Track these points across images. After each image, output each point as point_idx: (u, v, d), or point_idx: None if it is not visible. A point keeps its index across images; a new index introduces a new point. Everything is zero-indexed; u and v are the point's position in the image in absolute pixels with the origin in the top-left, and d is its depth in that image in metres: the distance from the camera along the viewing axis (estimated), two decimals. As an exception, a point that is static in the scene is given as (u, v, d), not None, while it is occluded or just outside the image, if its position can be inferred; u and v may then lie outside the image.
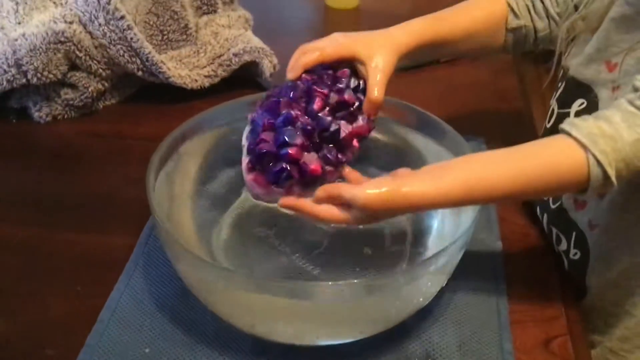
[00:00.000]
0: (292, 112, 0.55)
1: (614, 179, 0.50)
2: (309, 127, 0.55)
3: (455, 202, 0.52)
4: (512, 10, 0.71)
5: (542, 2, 0.71)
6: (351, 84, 0.59)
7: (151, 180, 0.57)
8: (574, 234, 0.65)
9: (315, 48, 0.61)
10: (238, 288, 0.52)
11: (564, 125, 0.52)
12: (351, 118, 0.58)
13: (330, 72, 0.59)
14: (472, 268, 0.63)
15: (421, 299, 0.56)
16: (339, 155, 0.57)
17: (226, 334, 0.57)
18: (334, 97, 0.57)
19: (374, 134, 0.63)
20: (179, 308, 0.59)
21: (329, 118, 0.56)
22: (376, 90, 0.59)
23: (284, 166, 0.54)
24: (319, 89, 0.57)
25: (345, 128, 0.57)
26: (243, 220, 0.65)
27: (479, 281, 0.63)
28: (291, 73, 0.60)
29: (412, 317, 0.57)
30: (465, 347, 0.57)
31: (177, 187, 0.62)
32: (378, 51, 0.61)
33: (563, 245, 0.66)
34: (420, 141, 0.68)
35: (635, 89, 0.52)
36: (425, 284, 0.55)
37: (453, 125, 0.65)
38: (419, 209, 0.58)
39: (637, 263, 0.62)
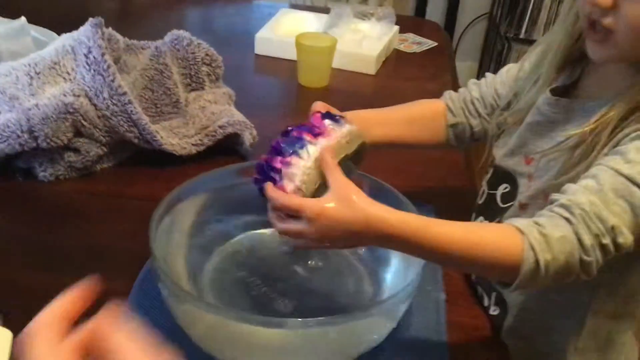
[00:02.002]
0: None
1: (542, 264, 0.58)
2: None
3: (409, 235, 0.59)
4: (450, 109, 0.86)
5: (473, 104, 0.86)
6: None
7: (153, 232, 0.68)
8: (494, 293, 0.77)
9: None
10: (218, 319, 0.63)
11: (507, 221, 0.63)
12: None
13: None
14: (419, 314, 0.74)
15: (375, 337, 0.67)
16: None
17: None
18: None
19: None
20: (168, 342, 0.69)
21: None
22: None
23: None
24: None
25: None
26: (225, 264, 0.77)
27: (425, 327, 0.75)
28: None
29: (366, 354, 0.68)
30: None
31: (172, 239, 0.73)
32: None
33: (485, 302, 0.79)
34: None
35: (551, 202, 0.63)
36: (376, 324, 0.66)
37: (407, 194, 0.78)
38: (374, 228, 0.60)
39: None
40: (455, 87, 1.14)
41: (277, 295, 0.72)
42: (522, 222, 0.61)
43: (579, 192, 0.61)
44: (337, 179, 0.63)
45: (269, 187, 0.64)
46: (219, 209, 0.79)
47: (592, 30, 0.65)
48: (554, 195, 0.63)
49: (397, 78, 1.38)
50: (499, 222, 0.74)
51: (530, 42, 2.30)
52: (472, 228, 0.65)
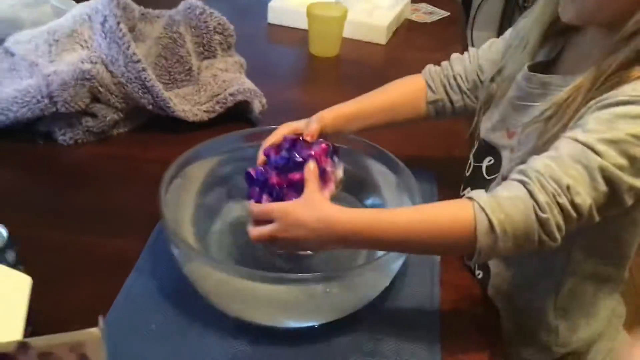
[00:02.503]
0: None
1: (496, 223, 0.61)
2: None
3: (363, 230, 0.64)
4: (429, 87, 0.88)
5: (455, 80, 0.88)
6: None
7: (162, 194, 0.73)
8: None
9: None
10: (224, 275, 0.68)
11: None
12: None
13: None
14: (413, 274, 0.79)
15: (370, 293, 0.71)
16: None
17: (214, 316, 0.72)
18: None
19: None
20: (179, 296, 0.74)
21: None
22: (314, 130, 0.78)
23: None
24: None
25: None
26: (230, 226, 0.82)
27: (420, 284, 0.79)
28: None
29: (362, 310, 0.72)
30: (402, 335, 0.72)
31: (181, 200, 0.78)
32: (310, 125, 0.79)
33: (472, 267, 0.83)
34: (379, 172, 0.85)
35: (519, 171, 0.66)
36: (372, 280, 0.71)
37: (410, 162, 0.81)
38: (332, 228, 0.65)
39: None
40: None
41: (278, 256, 0.77)
42: (474, 192, 0.65)
43: (537, 160, 0.64)
44: (310, 188, 0.68)
45: (250, 203, 0.71)
46: (227, 172, 0.84)
47: None
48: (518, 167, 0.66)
49: (407, 48, 1.40)
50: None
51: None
52: (426, 210, 0.67)
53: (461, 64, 0.89)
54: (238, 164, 0.83)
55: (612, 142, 0.62)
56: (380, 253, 0.69)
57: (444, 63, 0.92)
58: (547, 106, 0.70)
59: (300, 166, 0.71)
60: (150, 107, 1.00)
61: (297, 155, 0.72)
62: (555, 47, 0.77)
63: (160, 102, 0.99)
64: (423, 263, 0.81)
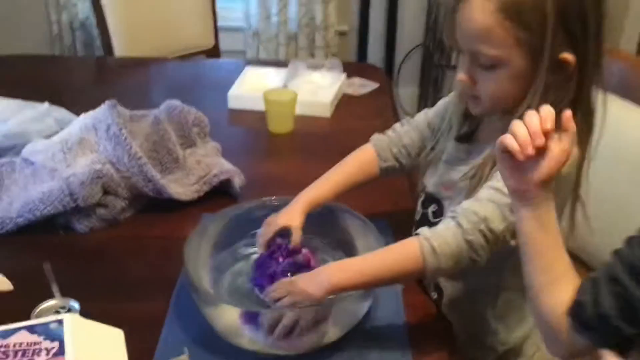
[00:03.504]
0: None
1: (437, 247, 0.86)
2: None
3: (348, 283, 0.90)
4: (380, 156, 1.14)
5: (405, 148, 1.13)
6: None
7: (186, 254, 0.96)
8: (432, 284, 1.06)
9: (268, 225, 1.05)
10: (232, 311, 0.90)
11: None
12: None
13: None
14: (384, 302, 1.02)
15: (350, 320, 0.94)
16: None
17: (236, 351, 0.93)
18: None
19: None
20: (204, 338, 0.94)
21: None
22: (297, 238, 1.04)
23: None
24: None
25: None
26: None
27: (388, 310, 1.02)
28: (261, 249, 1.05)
29: (347, 334, 0.94)
30: (381, 350, 0.95)
31: (200, 258, 1.01)
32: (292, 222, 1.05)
33: (429, 290, 1.07)
34: (350, 225, 1.09)
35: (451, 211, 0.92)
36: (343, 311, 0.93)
37: (368, 215, 1.06)
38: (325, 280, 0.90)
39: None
40: (397, 121, 1.40)
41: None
42: (419, 229, 0.91)
43: (463, 202, 0.90)
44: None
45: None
46: (226, 236, 1.07)
47: (467, 95, 0.95)
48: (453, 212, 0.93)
49: (349, 118, 1.66)
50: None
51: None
52: (386, 252, 0.93)
53: (408, 136, 1.14)
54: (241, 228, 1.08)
55: None
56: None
57: (390, 133, 1.16)
58: (470, 168, 0.96)
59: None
60: (151, 193, 1.22)
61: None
62: (474, 120, 1.04)
63: (160, 188, 1.21)
64: (389, 294, 1.05)
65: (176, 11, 2.38)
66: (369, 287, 0.93)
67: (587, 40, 0.87)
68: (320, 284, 0.89)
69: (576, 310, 0.74)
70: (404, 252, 0.91)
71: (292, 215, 1.05)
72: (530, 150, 0.71)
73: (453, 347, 1.01)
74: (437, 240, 0.88)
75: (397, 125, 1.18)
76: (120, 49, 2.24)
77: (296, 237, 1.04)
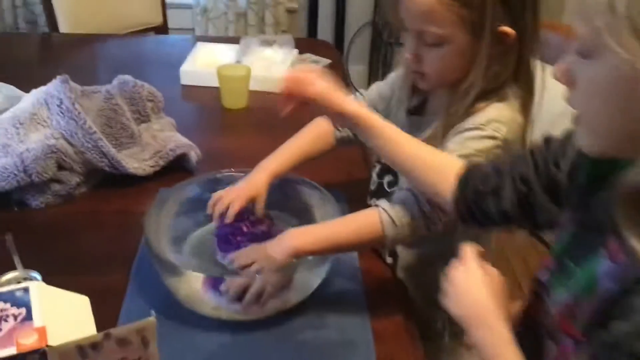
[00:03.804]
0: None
1: (395, 219, 0.91)
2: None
3: (313, 245, 0.93)
4: (334, 126, 1.16)
5: None
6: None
7: (146, 225, 0.97)
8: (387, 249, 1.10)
9: (237, 199, 1.05)
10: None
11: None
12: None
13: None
14: (342, 267, 1.05)
15: (312, 283, 0.97)
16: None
17: (199, 318, 0.95)
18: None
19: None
20: (166, 306, 0.96)
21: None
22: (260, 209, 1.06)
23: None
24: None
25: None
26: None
27: (346, 275, 1.05)
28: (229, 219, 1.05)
29: (308, 300, 0.97)
30: (341, 312, 0.98)
31: (160, 229, 1.03)
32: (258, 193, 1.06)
33: (384, 255, 1.11)
34: (308, 194, 1.11)
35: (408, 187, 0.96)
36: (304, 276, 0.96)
37: (325, 186, 1.09)
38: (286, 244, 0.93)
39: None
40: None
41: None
42: (379, 201, 0.95)
43: None
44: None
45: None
46: (186, 208, 1.09)
47: (414, 72, 0.99)
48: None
49: (302, 93, 1.68)
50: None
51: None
52: (348, 221, 0.96)
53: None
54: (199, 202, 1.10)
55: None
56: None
57: None
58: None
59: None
60: (107, 168, 1.21)
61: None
62: (422, 94, 1.07)
63: (115, 163, 1.21)
64: (345, 259, 1.08)
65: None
66: (330, 252, 0.97)
67: (525, 13, 0.93)
68: (284, 248, 0.92)
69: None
70: (365, 222, 0.95)
71: (256, 186, 1.06)
72: None
73: (408, 309, 1.05)
74: (395, 211, 0.93)
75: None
76: (65, 27, 2.20)
77: (260, 207, 1.05)
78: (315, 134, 1.17)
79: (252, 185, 1.07)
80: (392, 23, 0.99)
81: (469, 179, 0.86)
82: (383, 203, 0.95)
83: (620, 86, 0.55)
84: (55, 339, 0.65)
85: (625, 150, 0.60)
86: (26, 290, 0.71)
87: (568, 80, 0.62)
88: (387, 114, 1.13)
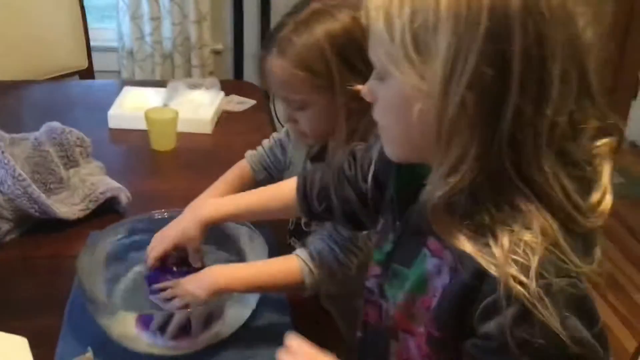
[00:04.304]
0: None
1: (314, 269, 1.00)
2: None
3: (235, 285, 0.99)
4: (252, 168, 1.28)
5: (273, 163, 1.27)
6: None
7: (79, 267, 1.00)
8: None
9: (159, 244, 1.06)
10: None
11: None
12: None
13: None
14: (270, 300, 1.11)
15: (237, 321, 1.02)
16: None
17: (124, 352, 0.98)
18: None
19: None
20: (100, 345, 0.99)
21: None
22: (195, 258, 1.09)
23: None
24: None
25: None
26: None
27: (273, 307, 1.11)
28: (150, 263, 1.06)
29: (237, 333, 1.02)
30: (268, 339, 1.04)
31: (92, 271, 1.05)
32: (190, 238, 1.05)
33: None
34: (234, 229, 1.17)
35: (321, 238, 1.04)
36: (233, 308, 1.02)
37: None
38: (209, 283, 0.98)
39: None
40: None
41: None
42: (298, 250, 1.04)
43: (328, 224, 1.05)
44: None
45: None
46: (119, 252, 1.12)
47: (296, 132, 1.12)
48: None
49: (229, 134, 1.74)
50: (304, 241, 1.11)
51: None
52: (271, 266, 1.04)
53: (272, 152, 1.28)
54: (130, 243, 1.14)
55: None
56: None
57: (260, 149, 1.30)
58: None
59: None
60: (37, 214, 1.24)
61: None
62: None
63: (45, 208, 1.23)
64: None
65: (45, 31, 2.34)
66: (251, 292, 1.04)
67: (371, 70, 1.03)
68: (207, 287, 0.97)
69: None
70: (286, 270, 1.03)
71: (187, 232, 1.06)
72: None
73: (335, 336, 1.12)
74: (313, 263, 1.02)
75: (265, 142, 1.32)
76: (-13, 73, 2.18)
77: (193, 257, 1.07)
78: (239, 177, 1.27)
79: (179, 229, 1.06)
80: (264, 88, 1.11)
81: (306, 198, 0.98)
82: (302, 253, 1.03)
83: (405, 104, 0.63)
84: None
85: (419, 157, 0.70)
86: (-37, 335, 0.74)
87: (371, 98, 0.71)
88: (289, 163, 1.23)
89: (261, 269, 1.04)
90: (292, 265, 1.02)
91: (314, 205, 0.98)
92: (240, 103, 1.88)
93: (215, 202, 1.09)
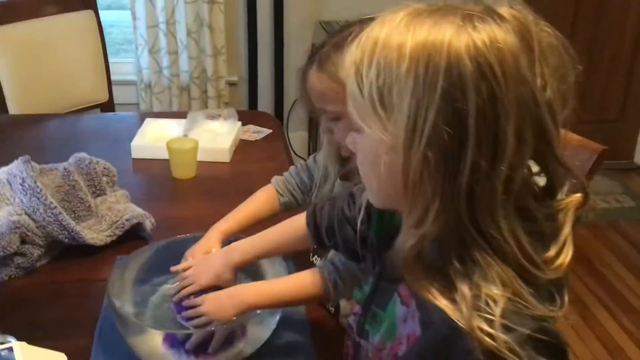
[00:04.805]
0: None
1: (340, 283, 1.05)
2: None
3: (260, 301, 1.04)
4: (278, 192, 1.32)
5: (298, 186, 1.32)
6: None
7: (109, 287, 1.06)
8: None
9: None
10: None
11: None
12: None
13: None
14: (289, 320, 1.16)
15: (265, 334, 1.07)
16: None
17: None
18: None
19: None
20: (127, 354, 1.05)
21: None
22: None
23: None
24: None
25: None
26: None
27: (293, 327, 1.16)
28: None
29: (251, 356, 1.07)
30: None
31: (121, 293, 1.11)
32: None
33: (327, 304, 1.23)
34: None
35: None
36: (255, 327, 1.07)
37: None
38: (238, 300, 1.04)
39: None
40: (290, 163, 1.56)
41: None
42: (320, 263, 1.10)
43: None
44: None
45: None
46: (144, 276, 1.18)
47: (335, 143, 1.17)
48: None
49: (246, 162, 1.81)
50: (326, 256, 1.17)
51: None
52: (299, 279, 1.08)
53: (298, 176, 1.34)
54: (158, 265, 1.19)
55: None
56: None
57: (286, 174, 1.35)
58: None
59: None
60: (66, 240, 1.30)
61: None
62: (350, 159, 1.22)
63: (75, 235, 1.30)
64: (293, 310, 1.19)
65: (69, 67, 2.44)
66: (278, 307, 1.09)
67: None
68: (235, 304, 1.03)
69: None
70: (312, 283, 1.07)
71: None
72: None
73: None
74: (338, 273, 1.06)
75: (292, 168, 1.38)
76: (14, 108, 2.28)
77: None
78: (263, 199, 1.31)
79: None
80: (306, 107, 1.19)
81: (317, 232, 1.04)
82: (327, 266, 1.08)
83: (375, 156, 0.67)
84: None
85: (393, 206, 0.73)
86: (10, 349, 0.79)
87: (353, 148, 0.74)
88: (318, 183, 1.28)
89: (287, 283, 1.09)
90: (317, 278, 1.07)
91: (324, 239, 1.04)
92: (256, 132, 1.95)
93: (241, 246, 1.14)
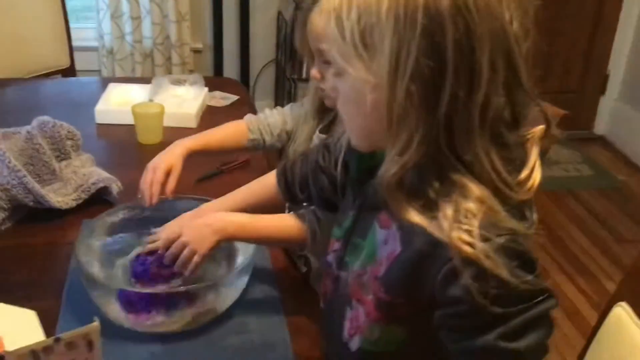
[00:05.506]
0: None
1: (318, 233, 1.07)
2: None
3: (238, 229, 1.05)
4: (249, 128, 1.33)
5: (269, 126, 1.34)
6: None
7: (78, 248, 1.06)
8: (302, 259, 1.24)
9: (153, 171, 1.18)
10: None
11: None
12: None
13: None
14: (260, 280, 1.17)
15: (230, 298, 1.09)
16: None
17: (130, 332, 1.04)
18: None
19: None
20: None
21: None
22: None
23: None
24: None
25: None
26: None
27: (264, 285, 1.18)
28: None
29: (231, 308, 1.09)
30: (260, 316, 1.10)
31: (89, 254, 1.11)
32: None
33: (298, 265, 1.25)
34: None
35: None
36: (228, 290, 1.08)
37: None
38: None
39: None
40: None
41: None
42: (302, 210, 1.10)
43: None
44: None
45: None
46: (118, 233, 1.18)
47: (320, 90, 1.16)
48: None
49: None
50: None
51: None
52: (281, 220, 1.11)
53: (272, 117, 1.37)
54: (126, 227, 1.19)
55: None
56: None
57: (259, 114, 1.40)
58: None
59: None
60: (31, 203, 1.29)
61: None
62: (330, 113, 1.24)
63: (40, 198, 1.28)
64: (263, 272, 1.20)
65: (29, 31, 2.38)
66: (256, 243, 1.10)
67: None
68: (217, 232, 1.03)
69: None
70: (293, 225, 1.09)
71: (171, 160, 1.22)
72: None
73: (319, 312, 1.19)
74: (317, 224, 1.08)
75: (266, 109, 1.42)
76: (-28, 71, 2.22)
77: (174, 179, 1.21)
78: (232, 130, 1.38)
79: (168, 158, 1.22)
80: (298, 49, 1.20)
81: (288, 188, 1.08)
82: (309, 214, 1.09)
83: (359, 96, 0.71)
84: (11, 347, 0.74)
85: (377, 145, 0.77)
86: (-21, 307, 0.79)
87: (334, 93, 0.77)
88: (294, 134, 1.30)
89: (270, 221, 1.09)
90: (298, 223, 1.08)
91: (296, 194, 1.08)
92: (223, 98, 1.94)
93: (211, 207, 1.14)
